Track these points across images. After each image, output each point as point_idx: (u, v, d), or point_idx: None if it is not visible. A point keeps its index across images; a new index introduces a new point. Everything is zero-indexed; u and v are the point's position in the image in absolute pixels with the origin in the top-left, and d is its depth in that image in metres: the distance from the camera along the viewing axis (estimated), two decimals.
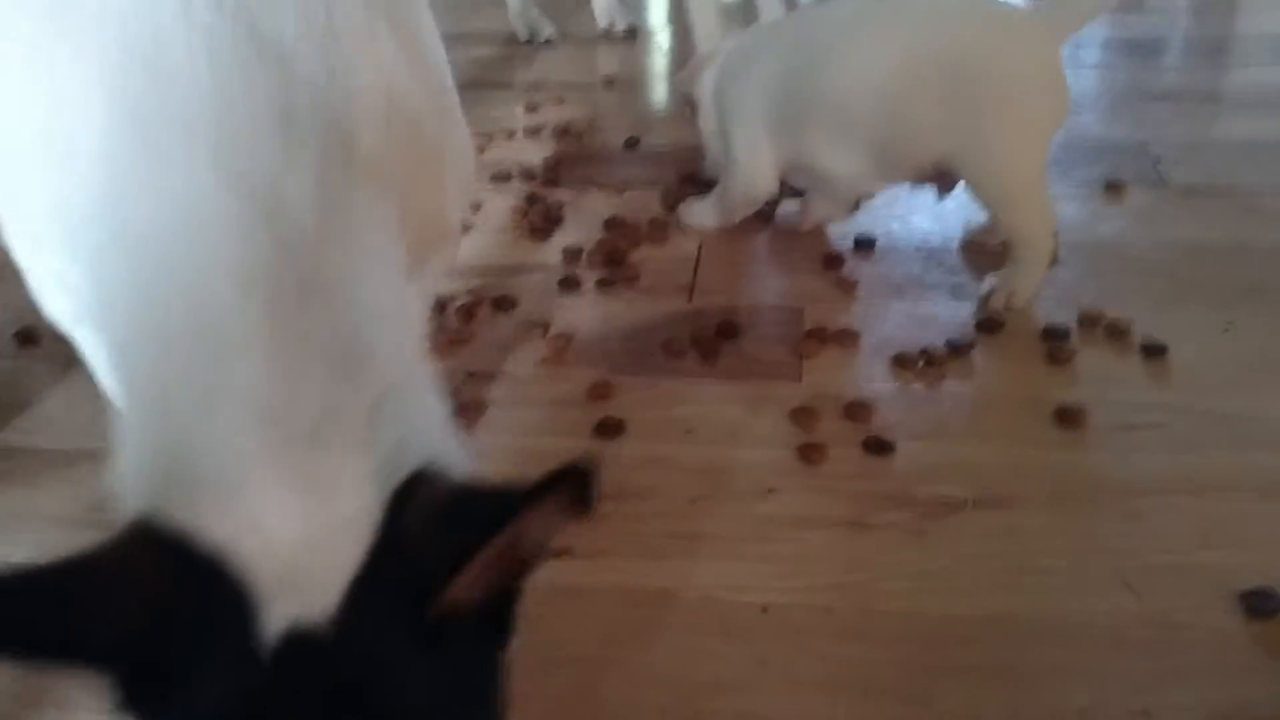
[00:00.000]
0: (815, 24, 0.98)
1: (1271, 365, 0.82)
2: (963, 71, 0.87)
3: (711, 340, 0.90)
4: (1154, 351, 0.85)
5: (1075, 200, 1.08)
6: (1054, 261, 0.94)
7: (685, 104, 1.12)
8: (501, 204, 1.17)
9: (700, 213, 1.09)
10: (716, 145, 1.08)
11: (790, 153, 1.00)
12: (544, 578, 0.68)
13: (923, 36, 0.89)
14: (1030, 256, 0.91)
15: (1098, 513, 0.70)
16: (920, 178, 0.95)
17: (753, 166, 1.02)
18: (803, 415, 0.81)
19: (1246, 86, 1.35)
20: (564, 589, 0.67)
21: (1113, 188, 1.10)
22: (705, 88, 1.06)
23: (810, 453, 0.77)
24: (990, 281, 0.93)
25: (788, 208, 1.09)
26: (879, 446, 0.77)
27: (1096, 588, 0.65)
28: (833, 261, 1.01)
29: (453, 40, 1.76)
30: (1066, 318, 0.89)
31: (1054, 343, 0.87)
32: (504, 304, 0.98)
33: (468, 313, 0.96)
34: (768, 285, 0.99)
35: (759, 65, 0.99)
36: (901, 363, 0.86)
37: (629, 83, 1.53)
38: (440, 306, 0.97)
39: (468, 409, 0.83)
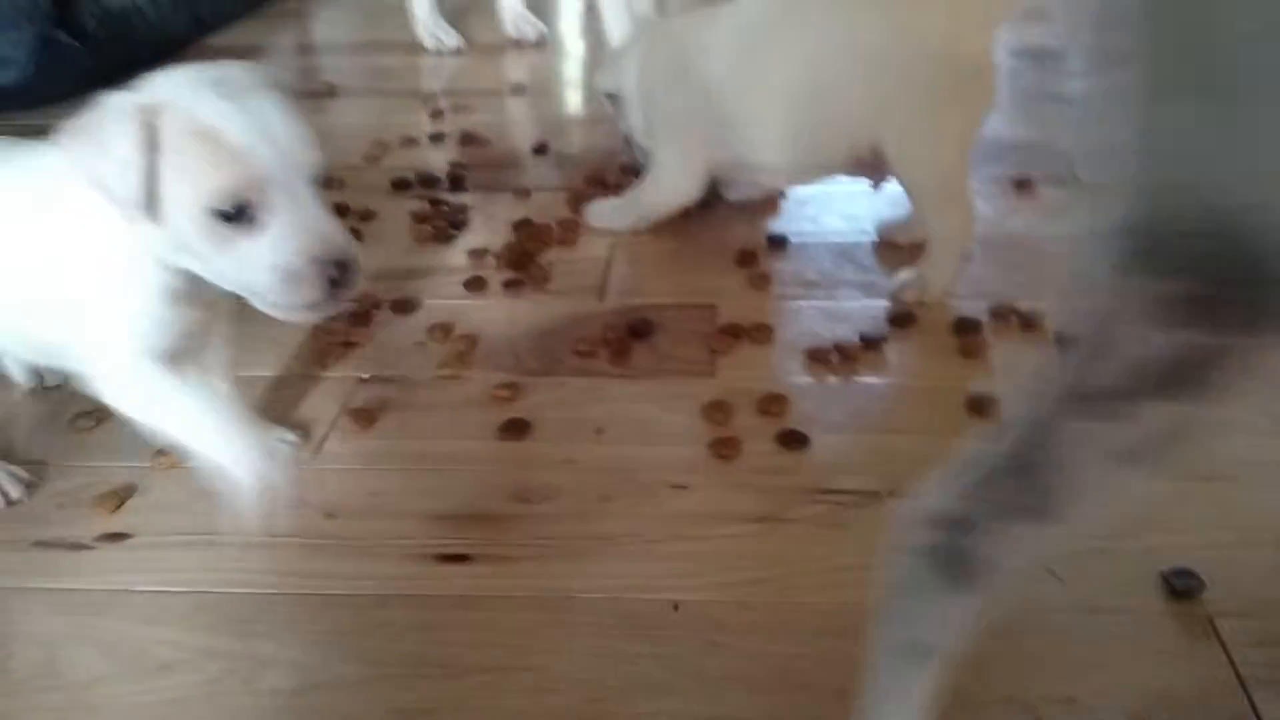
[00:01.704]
0: (743, 18, 0.95)
1: None
2: (893, 58, 0.85)
3: (623, 339, 0.87)
4: (1068, 342, 0.84)
5: (985, 197, 1.08)
6: (965, 257, 0.93)
7: (607, 102, 1.08)
8: (400, 209, 1.12)
9: (611, 213, 1.06)
10: (643, 142, 1.05)
11: (722, 151, 0.98)
12: (446, 586, 0.64)
13: (852, 23, 0.88)
14: (947, 249, 0.90)
15: None
16: (853, 168, 0.94)
17: (682, 170, 1.00)
18: (716, 411, 0.78)
19: None
20: (468, 598, 0.63)
21: (1022, 184, 1.10)
22: (628, 85, 1.03)
23: (723, 448, 0.74)
24: (904, 274, 0.92)
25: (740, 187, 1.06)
26: (793, 440, 0.75)
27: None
28: (746, 258, 0.99)
29: (357, 48, 1.73)
30: (979, 311, 0.88)
31: (967, 335, 0.86)
32: (404, 307, 0.93)
33: (362, 316, 0.91)
34: (681, 283, 0.96)
35: (688, 66, 0.96)
36: (815, 357, 0.84)
37: (538, 89, 1.50)
38: None
39: (359, 414, 0.79)
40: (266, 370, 0.86)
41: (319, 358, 0.87)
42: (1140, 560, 0.63)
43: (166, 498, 0.73)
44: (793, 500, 0.69)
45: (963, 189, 0.88)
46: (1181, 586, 0.60)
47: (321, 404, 0.82)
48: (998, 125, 1.24)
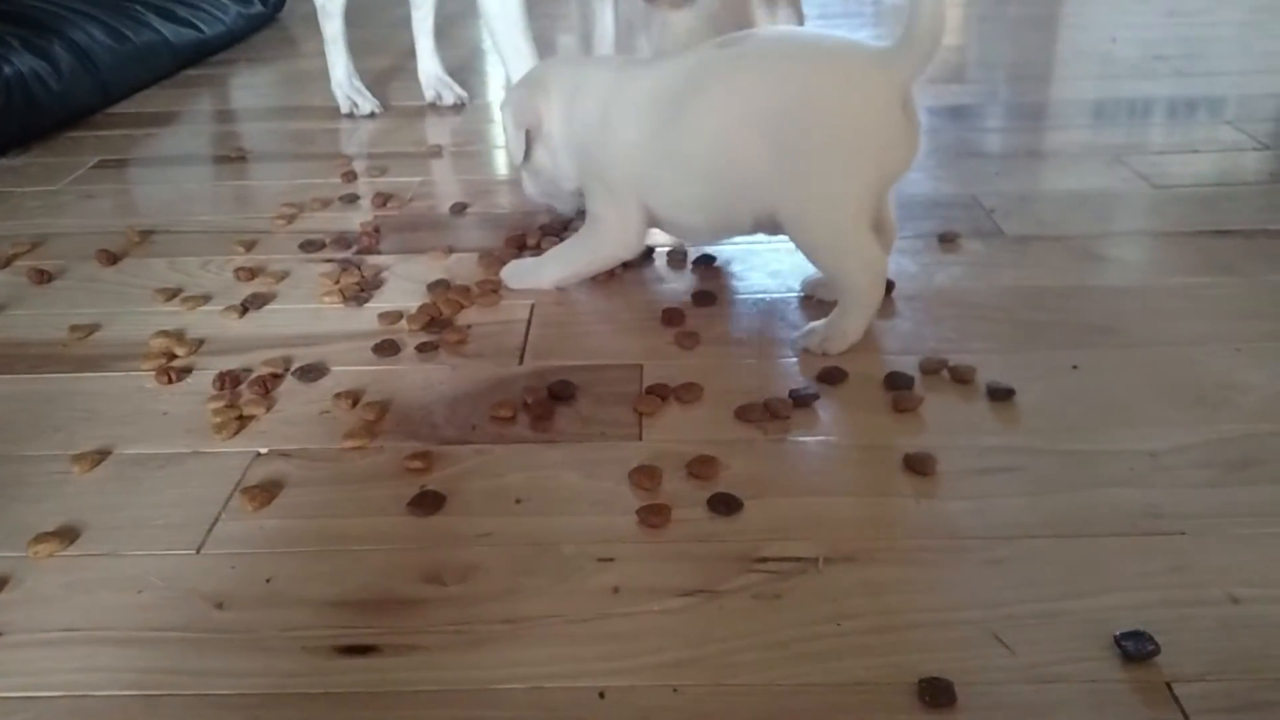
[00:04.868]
0: (660, 80, 0.93)
1: (1121, 403, 0.81)
2: (792, 119, 0.84)
3: (544, 403, 0.83)
4: (1000, 395, 0.82)
5: (910, 253, 1.07)
6: (890, 313, 0.91)
7: (517, 138, 1.00)
8: (311, 273, 1.07)
9: (533, 272, 1.02)
10: (566, 188, 1.01)
11: (650, 207, 0.96)
12: (348, 682, 0.58)
13: (751, 91, 0.86)
14: (852, 304, 0.88)
15: (958, 562, 0.65)
16: (762, 229, 0.92)
17: (624, 223, 0.97)
18: (643, 476, 0.73)
19: (1067, 144, 1.40)
20: (373, 695, 0.57)
21: (947, 239, 1.09)
22: (552, 128, 0.98)
23: (652, 515, 0.69)
24: (812, 325, 0.90)
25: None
26: (725, 504, 0.70)
27: (964, 643, 0.59)
28: (672, 317, 0.95)
29: (273, 113, 1.69)
30: (909, 366, 0.86)
31: (898, 391, 0.83)
32: (310, 374, 0.88)
33: (263, 384, 0.85)
34: (605, 344, 0.93)
35: (613, 121, 0.94)
36: (745, 416, 0.80)
37: (458, 152, 1.47)
38: (233, 380, 0.87)
39: (253, 492, 0.73)
40: (150, 448, 0.79)
41: (211, 433, 0.80)
42: (1089, 622, 0.60)
43: (41, 590, 0.66)
44: (725, 571, 0.65)
45: (860, 246, 0.86)
46: (1135, 650, 0.57)
47: (212, 483, 0.75)
48: (919, 181, 1.24)
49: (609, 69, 0.98)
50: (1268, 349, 0.87)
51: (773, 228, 0.90)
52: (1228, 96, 1.59)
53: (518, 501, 0.72)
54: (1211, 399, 0.81)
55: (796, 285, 1.01)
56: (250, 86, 1.89)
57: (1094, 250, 1.06)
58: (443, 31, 1.83)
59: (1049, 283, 1.00)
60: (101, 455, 0.79)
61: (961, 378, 0.84)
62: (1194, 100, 1.58)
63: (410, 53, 1.73)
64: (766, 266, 1.05)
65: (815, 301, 0.98)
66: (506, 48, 1.27)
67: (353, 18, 1.65)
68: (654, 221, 0.98)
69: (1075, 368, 0.85)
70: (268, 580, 0.66)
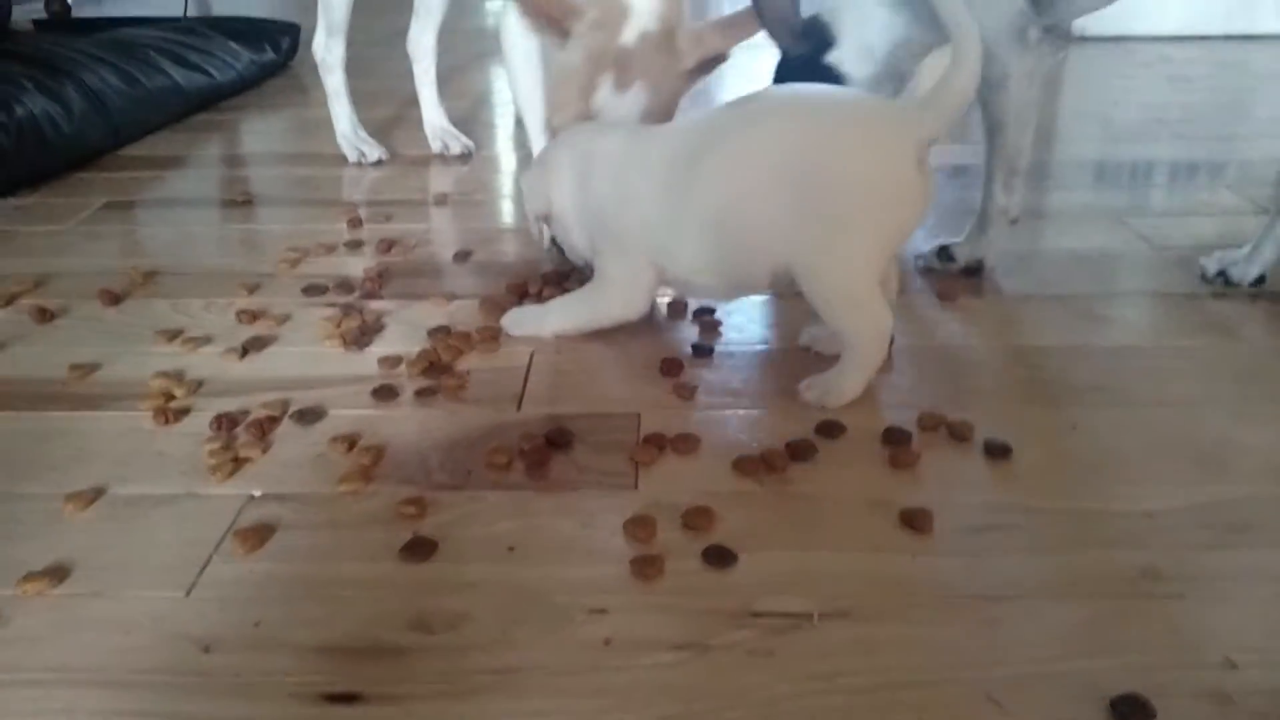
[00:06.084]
0: (673, 142, 0.94)
1: (1119, 462, 0.80)
2: (808, 176, 0.84)
3: (541, 450, 0.82)
4: (998, 452, 0.81)
5: (911, 309, 1.07)
6: (889, 368, 0.91)
7: (536, 223, 1.06)
8: (313, 316, 1.08)
9: (534, 321, 1.03)
10: (585, 256, 1.02)
11: (664, 268, 0.96)
12: None
13: (773, 143, 0.86)
14: (857, 360, 0.88)
15: (953, 621, 0.64)
16: (778, 287, 0.92)
17: (632, 285, 0.98)
18: (638, 526, 0.73)
19: (1068, 205, 1.41)
20: None
21: (947, 296, 1.10)
22: (563, 203, 1.00)
23: (645, 567, 0.69)
24: (813, 379, 0.90)
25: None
26: (720, 557, 0.70)
27: (959, 704, 0.58)
28: (671, 367, 0.95)
29: (281, 159, 1.70)
30: (907, 421, 0.86)
31: (895, 446, 0.83)
32: (307, 417, 0.88)
33: (260, 427, 0.85)
34: (603, 393, 0.93)
35: (626, 186, 0.95)
36: (742, 468, 0.80)
37: (462, 200, 1.48)
38: (230, 422, 0.87)
39: (246, 535, 0.72)
40: (145, 488, 0.79)
41: (206, 475, 0.80)
42: (1085, 684, 0.59)
43: (28, 629, 0.65)
44: (719, 625, 0.64)
45: (870, 305, 0.86)
46: (1130, 714, 0.56)
47: (205, 525, 0.75)
48: (920, 238, 1.25)
49: (621, 137, 0.98)
50: (1267, 411, 0.87)
51: (790, 284, 0.90)
52: (1227, 161, 1.60)
53: (510, 549, 0.72)
54: (1210, 460, 0.80)
55: (795, 338, 1.01)
56: (259, 132, 1.91)
57: (1094, 310, 1.07)
58: (446, 81, 1.86)
59: (1048, 341, 1.00)
60: (95, 494, 0.78)
61: (959, 434, 0.84)
62: (1194, 164, 1.59)
63: (414, 102, 1.75)
64: (766, 318, 1.06)
65: (813, 354, 0.98)
66: (521, 102, 1.28)
67: (356, 69, 1.67)
68: (667, 283, 0.98)
69: (1074, 427, 0.85)
70: (256, 624, 0.66)
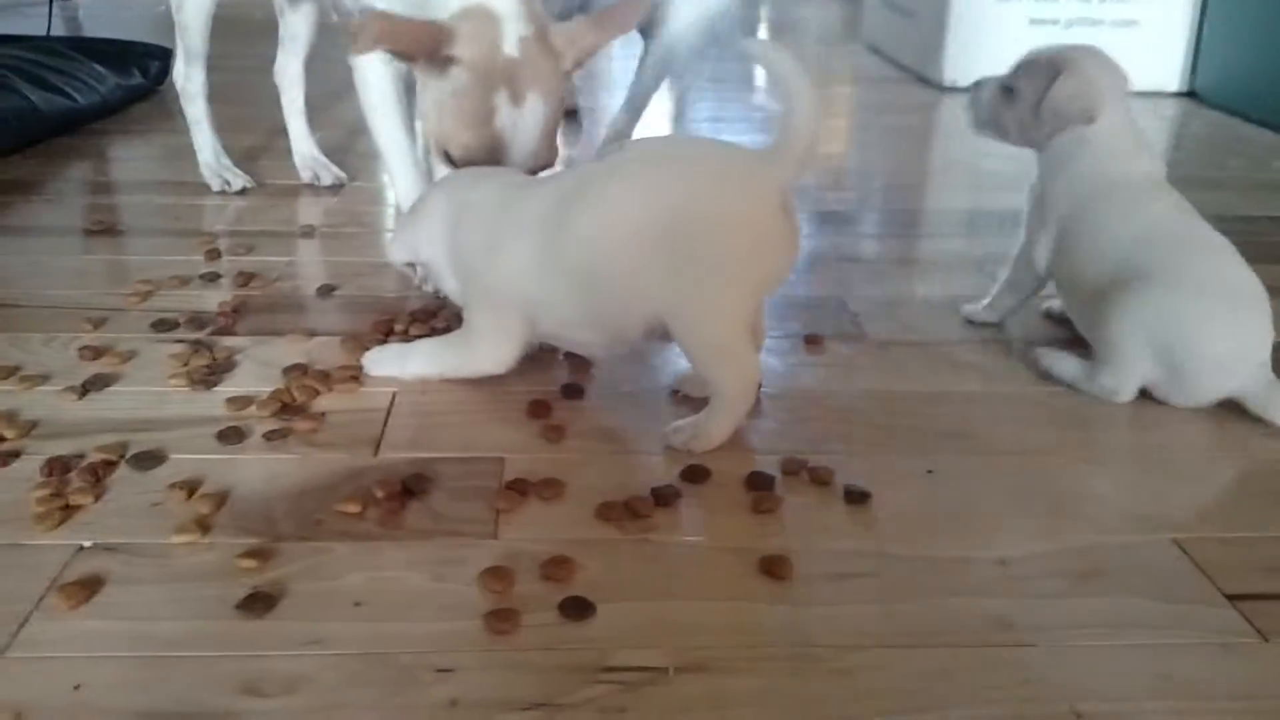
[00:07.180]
0: (544, 198, 0.92)
1: (975, 509, 0.82)
2: (673, 226, 0.84)
3: (395, 497, 0.79)
4: (857, 498, 0.82)
5: (777, 353, 1.08)
6: (756, 412, 0.91)
7: (407, 270, 1.03)
8: (160, 353, 1.02)
9: (395, 361, 1.00)
10: (456, 299, 1.00)
11: (539, 323, 0.94)
12: None
13: (637, 194, 0.86)
14: (724, 406, 0.88)
15: (808, 672, 0.64)
16: (650, 338, 0.91)
17: (500, 341, 0.95)
18: (494, 578, 0.70)
19: (935, 253, 1.45)
20: None
21: (812, 340, 1.11)
22: (434, 253, 0.97)
23: (499, 621, 0.67)
24: (680, 422, 0.90)
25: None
26: (577, 609, 0.68)
27: None
28: (539, 409, 0.94)
29: (141, 187, 1.63)
30: (771, 466, 0.86)
31: (759, 491, 0.82)
32: (146, 461, 0.83)
33: (94, 472, 0.80)
34: (466, 436, 0.90)
35: (498, 242, 0.92)
36: (606, 515, 0.78)
37: (330, 233, 1.43)
38: (62, 467, 0.81)
39: (70, 590, 0.67)
40: None
41: (31, 524, 0.75)
42: None
43: None
44: (571, 682, 0.62)
45: (739, 352, 0.86)
46: None
47: (26, 579, 0.69)
48: (792, 284, 1.26)
49: (495, 188, 0.96)
50: (1114, 458, 0.90)
51: (665, 335, 0.89)
52: None
53: (357, 605, 0.68)
54: (1061, 508, 0.82)
55: (667, 380, 1.00)
56: (122, 159, 1.83)
57: (954, 356, 1.09)
58: (320, 110, 1.81)
59: (908, 387, 1.02)
60: None
61: (820, 479, 0.84)
62: None
63: (282, 130, 1.70)
64: (638, 360, 1.05)
65: (683, 397, 0.97)
66: (384, 142, 1.22)
67: (228, 95, 1.62)
68: (540, 336, 0.96)
69: (930, 472, 0.87)
70: (75, 688, 0.61)
